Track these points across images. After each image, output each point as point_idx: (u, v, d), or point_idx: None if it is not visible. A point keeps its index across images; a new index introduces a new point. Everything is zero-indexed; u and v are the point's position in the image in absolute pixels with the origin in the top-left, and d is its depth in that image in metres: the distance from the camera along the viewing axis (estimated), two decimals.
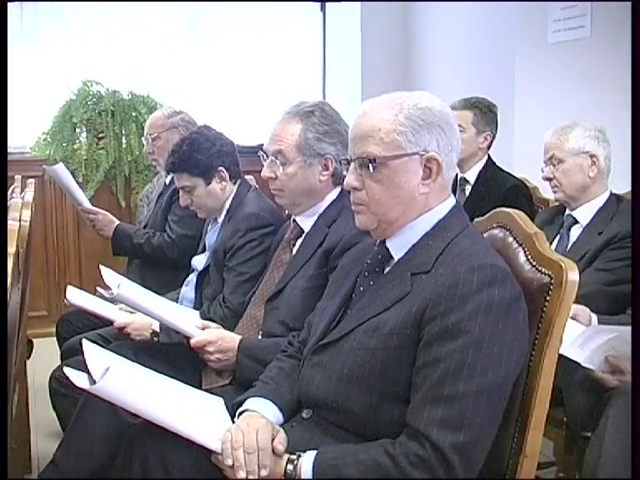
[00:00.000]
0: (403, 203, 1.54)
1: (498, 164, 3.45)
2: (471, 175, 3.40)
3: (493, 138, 3.47)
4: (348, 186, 1.60)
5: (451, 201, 1.60)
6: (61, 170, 3.36)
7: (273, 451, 1.47)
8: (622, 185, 2.58)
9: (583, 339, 2.00)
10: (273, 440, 1.48)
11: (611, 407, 1.90)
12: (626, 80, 2.11)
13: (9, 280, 1.39)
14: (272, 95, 5.39)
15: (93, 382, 1.47)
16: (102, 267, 2.44)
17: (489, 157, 3.45)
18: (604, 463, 1.82)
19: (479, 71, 4.71)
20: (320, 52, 5.73)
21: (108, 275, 2.41)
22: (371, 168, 1.53)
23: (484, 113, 3.42)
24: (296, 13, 5.61)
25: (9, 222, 1.86)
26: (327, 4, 5.66)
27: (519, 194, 3.24)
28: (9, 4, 4.72)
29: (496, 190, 3.25)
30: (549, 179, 2.69)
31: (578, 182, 2.64)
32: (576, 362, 1.99)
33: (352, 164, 1.58)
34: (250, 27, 5.45)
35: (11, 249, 1.55)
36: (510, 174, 3.40)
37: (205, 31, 5.43)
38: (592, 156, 2.62)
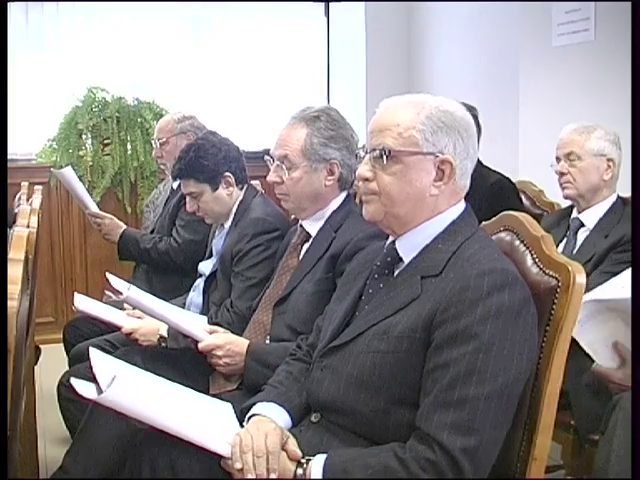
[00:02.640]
0: (412, 200, 1.55)
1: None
2: None
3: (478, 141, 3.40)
4: (360, 177, 1.61)
5: (462, 205, 1.60)
6: (69, 174, 3.38)
7: (290, 456, 1.47)
8: (626, 188, 2.59)
9: (583, 315, 1.96)
10: (285, 445, 1.48)
11: (619, 410, 1.89)
12: (630, 83, 2.12)
13: (19, 287, 1.39)
14: (277, 99, 5.40)
15: (100, 391, 1.48)
16: (108, 274, 2.45)
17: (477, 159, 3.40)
18: (613, 466, 1.81)
19: (484, 74, 4.71)
20: (324, 54, 5.72)
21: (116, 281, 2.42)
22: (385, 160, 1.54)
23: None
24: (300, 15, 5.60)
25: (17, 229, 1.87)
26: (331, 4, 5.65)
27: (503, 188, 3.23)
28: (13, 9, 4.76)
29: (480, 188, 3.22)
30: (562, 174, 2.69)
31: (592, 182, 2.65)
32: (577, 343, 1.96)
33: (367, 156, 1.59)
34: (253, 31, 5.44)
35: (20, 255, 1.55)
36: (494, 170, 3.36)
37: (208, 35, 5.44)
38: (609, 160, 2.63)
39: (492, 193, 3.14)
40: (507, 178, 3.31)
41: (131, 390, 1.57)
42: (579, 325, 1.93)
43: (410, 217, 1.57)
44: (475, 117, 3.36)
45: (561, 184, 2.72)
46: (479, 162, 3.48)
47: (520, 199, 3.27)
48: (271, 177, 2.20)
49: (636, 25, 2.00)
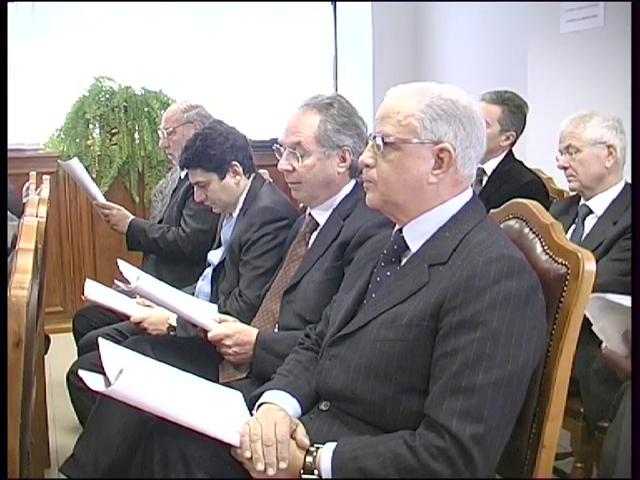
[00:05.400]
0: (409, 188, 1.55)
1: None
2: (489, 166, 3.31)
3: (516, 138, 3.36)
4: (361, 163, 1.62)
5: (468, 194, 1.60)
6: (76, 165, 3.39)
7: (298, 444, 1.47)
8: None
9: (595, 305, 1.94)
10: (294, 434, 1.49)
11: (628, 397, 1.89)
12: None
13: (30, 276, 1.39)
14: (284, 90, 5.39)
15: (108, 383, 1.48)
16: (120, 261, 2.46)
17: (510, 151, 3.37)
18: (622, 453, 1.81)
19: (492, 62, 4.69)
20: (332, 47, 5.72)
21: (126, 268, 2.42)
22: (383, 147, 1.54)
23: (512, 112, 3.29)
24: (307, 4, 5.58)
25: (27, 218, 1.87)
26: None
27: (535, 190, 3.17)
28: (20, 2, 4.76)
29: (512, 184, 3.20)
30: (564, 168, 2.68)
31: (594, 172, 2.63)
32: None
33: (370, 142, 1.60)
34: (262, 22, 5.44)
35: (30, 245, 1.56)
36: (528, 169, 3.33)
37: (216, 26, 5.43)
38: (609, 146, 2.61)
39: (524, 193, 3.09)
40: (540, 180, 3.27)
41: (139, 382, 1.57)
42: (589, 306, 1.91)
43: (411, 205, 1.57)
44: (524, 115, 3.37)
45: (566, 177, 2.72)
46: (515, 159, 3.44)
47: (548, 204, 3.24)
48: (282, 165, 2.18)
49: (636, 23, 1.98)
